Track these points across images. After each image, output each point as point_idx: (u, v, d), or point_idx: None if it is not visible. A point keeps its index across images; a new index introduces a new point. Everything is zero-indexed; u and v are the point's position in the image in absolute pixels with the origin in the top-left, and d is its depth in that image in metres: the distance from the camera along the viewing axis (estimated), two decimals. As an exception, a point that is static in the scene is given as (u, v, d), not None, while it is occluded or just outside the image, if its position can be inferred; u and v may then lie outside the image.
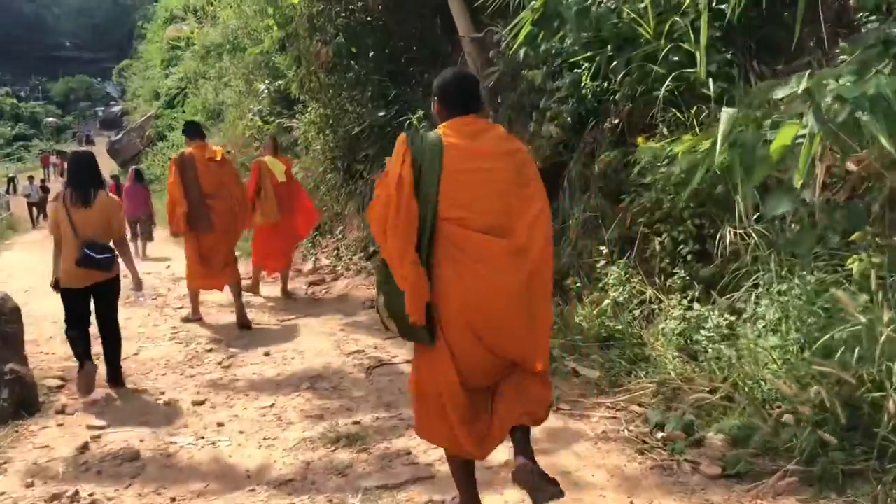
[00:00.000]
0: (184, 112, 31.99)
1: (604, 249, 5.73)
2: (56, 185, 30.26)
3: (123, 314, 7.68)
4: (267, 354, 5.85)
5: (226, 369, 5.56)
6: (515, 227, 2.72)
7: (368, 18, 10.98)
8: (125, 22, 78.53)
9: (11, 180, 29.50)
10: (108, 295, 5.20)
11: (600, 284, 5.61)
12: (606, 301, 5.33)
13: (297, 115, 13.17)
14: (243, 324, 6.86)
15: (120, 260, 5.28)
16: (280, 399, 4.82)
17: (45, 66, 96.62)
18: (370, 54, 11.08)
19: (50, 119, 71.30)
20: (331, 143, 11.63)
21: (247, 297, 7.98)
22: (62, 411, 4.77)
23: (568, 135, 6.73)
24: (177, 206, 6.79)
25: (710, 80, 5.07)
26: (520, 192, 2.78)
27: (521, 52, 6.36)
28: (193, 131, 7.22)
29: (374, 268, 8.98)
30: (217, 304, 8.01)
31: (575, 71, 6.57)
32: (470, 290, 2.67)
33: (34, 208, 23.26)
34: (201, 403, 4.81)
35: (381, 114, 10.45)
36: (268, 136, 10.28)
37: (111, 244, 5.16)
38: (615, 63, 6.09)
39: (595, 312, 5.42)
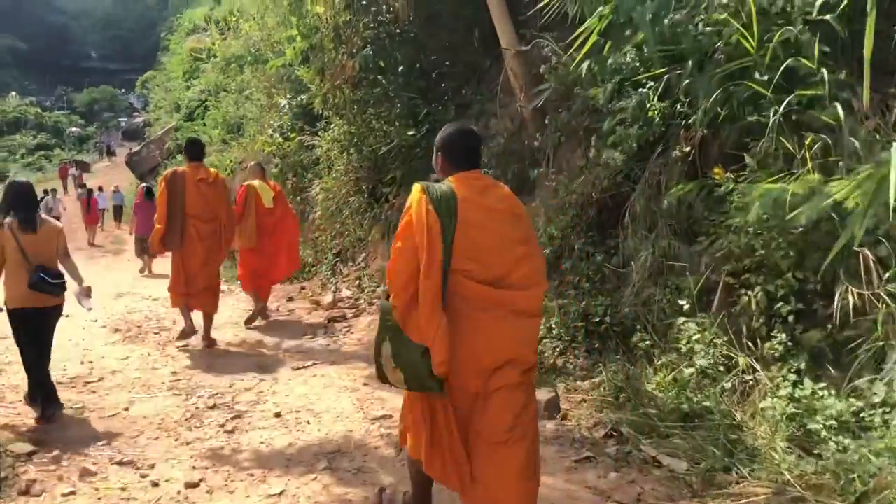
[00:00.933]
0: (204, 125, 31.50)
1: (684, 304, 4.81)
2: (73, 197, 29.74)
3: (122, 352, 6.91)
4: (278, 416, 4.96)
5: (229, 434, 4.68)
6: (516, 279, 2.83)
7: (398, 30, 10.19)
8: (151, 35, 78.89)
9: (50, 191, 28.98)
10: (51, 317, 5.35)
11: (677, 345, 4.70)
12: (688, 369, 4.40)
13: (319, 133, 12.39)
14: (207, 342, 7.01)
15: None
16: (291, 483, 3.92)
17: (71, 77, 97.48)
18: (399, 69, 10.28)
19: (73, 129, 71.50)
20: (354, 163, 10.81)
21: (259, 335, 7.22)
22: (27, 492, 3.90)
23: (630, 163, 5.85)
24: (157, 223, 6.96)
25: (827, 103, 4.16)
26: (523, 248, 2.89)
27: (583, 67, 5.48)
28: (191, 150, 7.19)
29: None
30: (227, 342, 7.20)
31: (640, 90, 5.70)
32: (474, 342, 2.76)
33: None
34: (195, 486, 3.93)
35: (410, 133, 9.62)
36: (254, 162, 10.15)
37: (58, 269, 5.26)
38: (687, 81, 5.22)
39: (672, 380, 4.51)
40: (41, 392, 5.17)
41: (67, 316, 9.00)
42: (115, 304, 9.70)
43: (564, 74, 6.34)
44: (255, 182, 8.22)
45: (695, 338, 4.55)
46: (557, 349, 5.59)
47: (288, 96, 13.08)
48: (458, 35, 10.09)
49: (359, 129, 10.50)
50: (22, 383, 5.50)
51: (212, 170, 7.25)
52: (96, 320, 8.51)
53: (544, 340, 5.63)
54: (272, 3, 17.09)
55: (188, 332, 7.06)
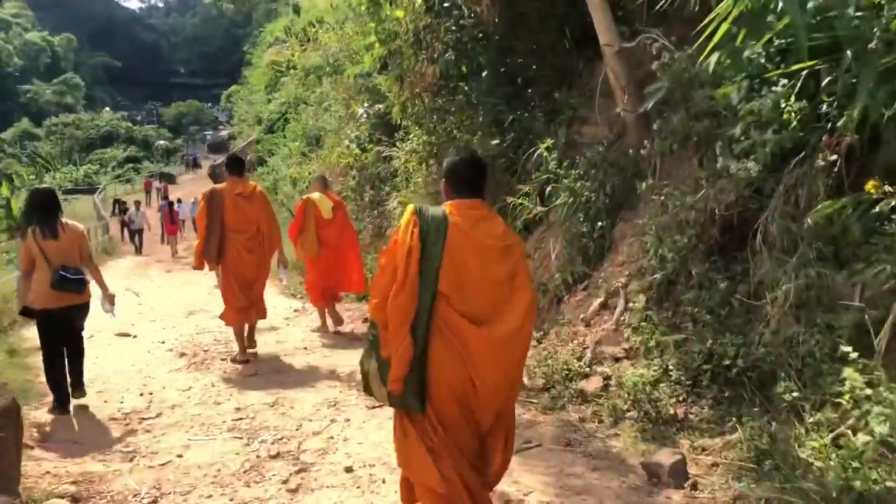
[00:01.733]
0: (283, 137, 31.65)
1: (842, 346, 3.88)
2: (155, 209, 30.19)
3: (185, 381, 6.40)
4: (349, 470, 4.27)
5: (292, 493, 4.01)
6: (502, 316, 2.88)
7: (481, 34, 9.49)
8: (236, 50, 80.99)
9: (117, 202, 29.57)
10: (78, 316, 5.60)
11: (838, 399, 3.77)
12: (864, 437, 3.47)
13: (397, 144, 11.81)
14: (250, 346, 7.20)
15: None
16: (362, 567, 3.22)
17: (160, 92, 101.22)
18: (483, 74, 9.58)
19: (161, 142, 73.88)
20: (434, 176, 10.15)
21: (333, 363, 6.68)
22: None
23: (763, 175, 4.93)
24: (197, 239, 7.26)
25: None
26: (510, 283, 2.92)
27: (711, 61, 4.60)
28: (231, 166, 7.32)
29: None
30: (297, 369, 6.61)
31: (773, 89, 4.79)
32: (455, 370, 2.84)
33: (136, 236, 22.52)
34: (249, 565, 3.27)
35: (495, 142, 8.88)
36: (317, 175, 10.20)
37: (81, 268, 5.55)
38: (845, 75, 4.30)
39: (834, 446, 3.59)
40: (57, 393, 5.54)
41: (135, 337, 8.69)
42: (185, 324, 9.28)
43: (681, 71, 5.47)
44: (315, 194, 8.38)
45: (863, 393, 3.62)
46: (676, 395, 4.72)
47: (365, 105, 12.55)
48: (548, 36, 9.31)
49: (439, 138, 9.84)
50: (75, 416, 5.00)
51: (251, 183, 7.35)
52: (163, 342, 8.09)
53: (661, 385, 4.77)
54: (351, 11, 16.79)
55: (239, 359, 7.06)
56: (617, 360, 5.53)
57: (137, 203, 24.28)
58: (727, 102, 4.94)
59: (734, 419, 4.33)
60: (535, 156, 8.20)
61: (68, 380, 5.61)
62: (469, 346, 2.80)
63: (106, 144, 65.51)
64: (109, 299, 6.00)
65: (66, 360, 5.62)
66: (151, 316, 10.18)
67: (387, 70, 10.78)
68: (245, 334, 7.18)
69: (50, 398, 5.68)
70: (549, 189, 7.28)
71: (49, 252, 5.39)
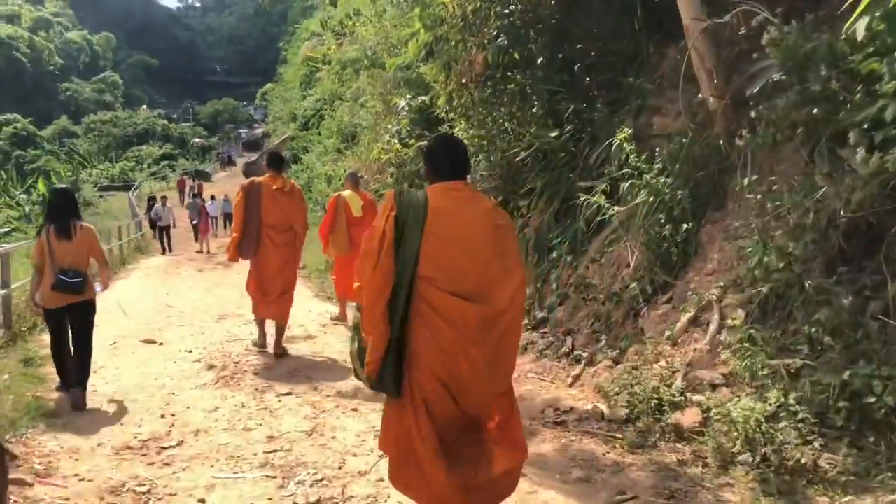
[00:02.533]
0: (318, 134, 31.19)
1: None
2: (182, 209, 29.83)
3: (213, 399, 5.69)
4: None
5: (336, 557, 3.25)
6: (493, 294, 2.82)
7: (535, 18, 8.68)
8: (271, 48, 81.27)
9: (152, 199, 29.26)
10: (82, 314, 5.70)
11: None
12: None
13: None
14: (278, 353, 7.04)
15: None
16: None
17: (197, 90, 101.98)
18: (538, 61, 8.78)
19: (197, 140, 74.23)
20: (483, 172, 9.37)
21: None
22: None
23: (900, 170, 4.05)
24: (233, 231, 7.26)
25: None
26: (499, 261, 2.86)
27: (860, 29, 3.72)
28: (271, 161, 7.38)
29: (546, 345, 6.55)
30: (338, 391, 5.87)
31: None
32: (441, 351, 2.77)
33: (164, 233, 21.38)
34: None
35: (553, 135, 8.06)
36: (349, 171, 10.07)
37: (84, 269, 5.68)
38: None
39: None
40: (65, 382, 5.71)
41: (161, 344, 8.04)
42: (215, 330, 8.61)
43: (795, 48, 4.59)
44: (346, 192, 8.44)
45: None
46: (799, 436, 3.86)
47: (407, 97, 11.79)
48: (610, 18, 8.49)
49: (489, 131, 9.06)
50: (85, 450, 4.30)
51: (289, 180, 7.35)
52: (190, 351, 7.42)
53: (782, 425, 3.92)
54: (391, 1, 16.09)
55: (260, 345, 7.28)
56: (714, 387, 4.69)
57: (164, 198, 23.15)
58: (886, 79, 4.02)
59: (882, 471, 3.48)
60: (601, 149, 7.43)
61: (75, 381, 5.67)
62: (458, 324, 2.75)
63: (142, 142, 65.87)
64: (103, 287, 6.37)
65: (74, 354, 5.73)
66: (180, 320, 9.53)
67: (432, 58, 10.04)
68: (274, 332, 7.22)
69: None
70: (624, 186, 6.42)
71: (57, 252, 5.55)
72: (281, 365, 6.74)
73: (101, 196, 40.33)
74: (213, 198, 28.76)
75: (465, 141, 9.62)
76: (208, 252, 21.27)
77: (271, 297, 7.10)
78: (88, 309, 5.76)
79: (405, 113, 11.62)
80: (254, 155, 49.38)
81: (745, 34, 5.66)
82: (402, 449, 2.86)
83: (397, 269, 2.76)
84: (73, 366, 5.66)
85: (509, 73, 8.95)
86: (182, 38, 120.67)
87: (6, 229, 25.95)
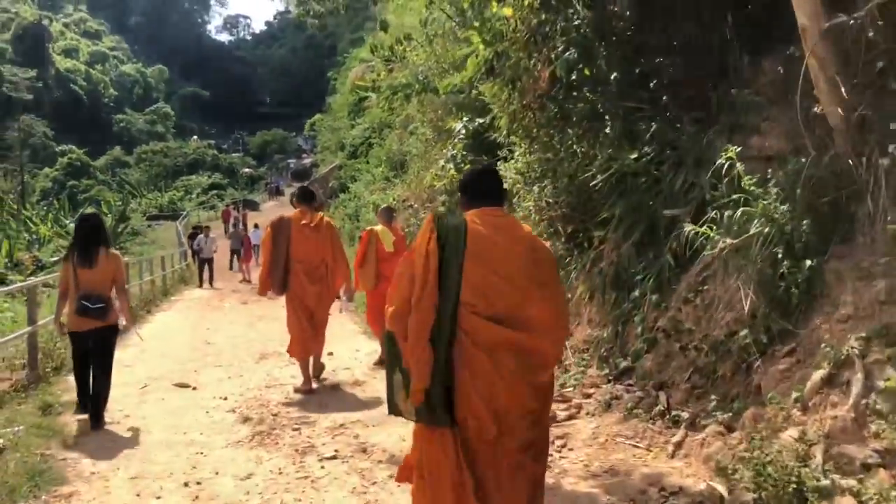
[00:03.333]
0: (367, 163, 30.78)
1: None
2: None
3: (246, 463, 4.87)
4: None
5: None
6: (531, 323, 2.74)
7: (608, 28, 7.86)
8: (320, 80, 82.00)
9: (196, 229, 28.95)
10: (102, 339, 5.81)
11: None
12: None
13: (499, 163, 10.23)
14: (317, 374, 7.19)
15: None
16: None
17: (247, 121, 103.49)
18: (611, 76, 7.92)
19: (246, 170, 74.93)
20: (548, 199, 8.50)
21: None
22: None
23: None
24: (262, 266, 7.39)
25: None
26: (540, 290, 2.78)
27: None
28: (300, 197, 7.50)
29: (634, 401, 5.58)
30: (390, 453, 5.00)
31: None
32: (481, 380, 2.67)
33: (206, 266, 20.22)
34: None
35: (632, 157, 7.17)
36: (383, 206, 9.91)
37: (107, 295, 5.80)
38: None
39: None
40: (90, 407, 5.77)
41: (194, 389, 7.30)
42: (255, 373, 7.86)
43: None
44: (378, 227, 8.37)
45: None
46: None
47: (464, 119, 11.00)
48: (694, 28, 7.60)
49: (556, 154, 8.20)
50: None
51: (318, 214, 7.34)
52: (225, 398, 6.65)
53: None
54: (442, 26, 15.44)
55: (305, 389, 6.91)
56: (868, 468, 3.70)
57: (207, 229, 21.99)
58: None
59: None
60: (687, 173, 6.53)
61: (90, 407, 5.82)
62: (498, 353, 2.67)
63: (192, 171, 66.63)
64: (129, 323, 6.64)
65: (92, 379, 5.84)
66: (218, 359, 8.82)
67: (492, 77, 9.25)
68: (311, 365, 7.11)
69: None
70: (734, 214, 5.45)
71: (81, 279, 5.69)
72: (324, 417, 5.90)
73: (149, 225, 40.54)
74: (256, 226, 28.41)
75: (528, 165, 8.82)
76: (248, 281, 20.77)
77: (316, 331, 7.06)
78: (110, 334, 5.90)
79: (462, 136, 10.83)
80: (301, 185, 49.39)
81: (882, 35, 4.73)
82: (434, 479, 2.71)
83: (440, 296, 2.68)
84: (91, 397, 5.80)
85: (578, 91, 8.13)
86: (233, 70, 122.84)
87: (56, 258, 25.90)
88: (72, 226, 32.94)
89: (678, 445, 4.68)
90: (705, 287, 5.89)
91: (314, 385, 7.01)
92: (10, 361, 7.41)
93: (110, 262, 5.87)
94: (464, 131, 10.78)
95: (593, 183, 7.35)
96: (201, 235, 20.15)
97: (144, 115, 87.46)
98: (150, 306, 14.50)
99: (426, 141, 18.60)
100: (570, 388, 6.20)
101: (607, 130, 7.82)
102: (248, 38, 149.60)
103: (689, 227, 5.70)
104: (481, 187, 2.98)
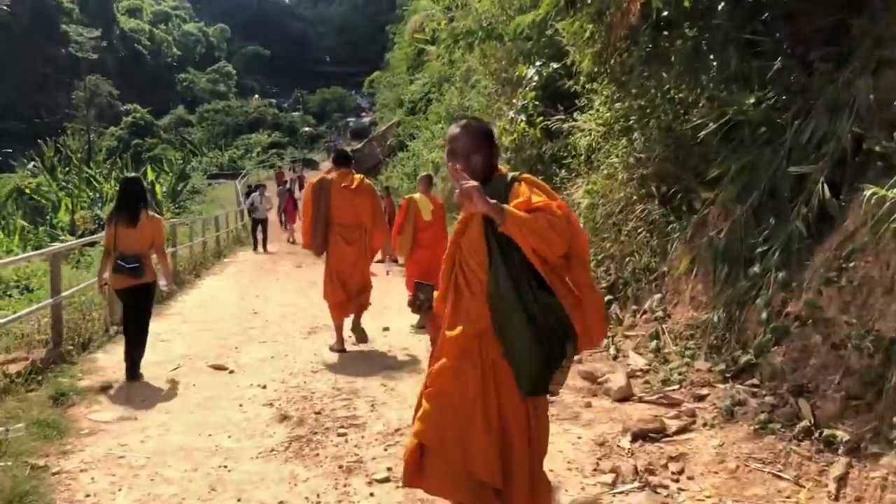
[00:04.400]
0: (426, 119, 29.64)
1: None
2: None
3: (280, 481, 3.92)
4: None
5: None
6: None
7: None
8: (380, 38, 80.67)
9: (252, 188, 28.30)
10: (137, 297, 6.06)
11: None
12: None
13: (575, 113, 8.99)
14: (360, 338, 7.19)
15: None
16: None
17: (307, 80, 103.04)
18: (718, 7, 6.62)
19: (306, 129, 74.62)
20: (638, 154, 7.27)
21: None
22: None
23: None
24: (304, 222, 7.45)
25: None
26: None
27: None
28: (337, 159, 7.38)
29: (764, 409, 4.40)
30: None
31: None
32: None
33: (259, 227, 18.64)
34: None
35: (750, 102, 5.87)
36: (424, 174, 9.63)
37: (144, 255, 6.04)
38: None
39: None
40: (127, 359, 6.02)
41: (231, 372, 6.43)
42: (301, 352, 6.95)
43: None
44: (417, 195, 8.32)
45: None
46: None
47: (538, 64, 9.72)
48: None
49: (651, 101, 6.94)
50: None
51: (357, 176, 7.17)
52: (265, 386, 5.73)
53: None
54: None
55: (335, 348, 7.02)
56: None
57: (262, 187, 20.49)
58: None
59: None
60: (817, 121, 5.23)
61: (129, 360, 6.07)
62: None
63: (253, 130, 66.57)
64: (167, 282, 6.57)
65: (131, 334, 6.07)
66: (263, 333, 7.96)
67: (572, 11, 7.97)
68: (351, 324, 7.18)
69: None
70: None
71: (121, 239, 5.93)
72: (376, 418, 4.91)
73: (209, 184, 40.37)
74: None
75: (614, 114, 7.59)
76: (292, 241, 20.12)
77: (351, 294, 7.03)
78: (146, 291, 6.13)
79: (534, 84, 9.57)
80: (360, 143, 48.56)
81: None
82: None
83: None
84: (130, 348, 6.05)
85: (676, 25, 6.86)
86: (293, 28, 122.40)
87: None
88: (131, 185, 32.96)
89: (841, 481, 3.51)
90: (851, 264, 4.64)
91: (355, 346, 7.08)
92: (32, 338, 6.64)
93: (150, 224, 6.08)
94: (536, 78, 9.52)
95: (701, 134, 6.09)
96: (255, 193, 19.03)
97: (206, 74, 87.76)
98: (200, 269, 13.79)
99: (488, 95, 17.43)
100: (675, 387, 5.05)
101: (712, 73, 6.56)
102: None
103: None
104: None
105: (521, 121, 9.54)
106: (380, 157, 36.04)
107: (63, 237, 17.59)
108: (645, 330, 6.25)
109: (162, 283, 6.35)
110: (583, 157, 8.80)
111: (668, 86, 6.85)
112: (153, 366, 6.43)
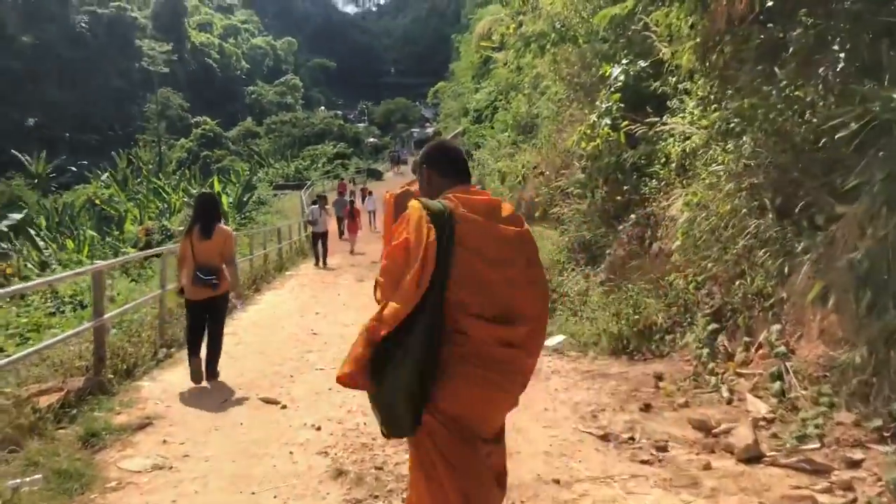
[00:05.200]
0: (491, 128, 28.92)
1: None
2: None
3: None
4: None
5: None
6: (520, 316, 2.43)
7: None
8: (444, 49, 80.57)
9: (316, 200, 28.02)
10: (214, 308, 6.45)
11: None
12: None
13: (664, 116, 8.06)
14: None
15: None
16: None
17: (372, 91, 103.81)
18: (846, -12, 5.66)
19: (370, 139, 74.84)
20: (747, 160, 6.31)
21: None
22: None
23: None
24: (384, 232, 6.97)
25: None
26: (527, 279, 2.50)
27: None
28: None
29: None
30: None
31: None
32: (468, 391, 2.38)
33: (319, 241, 17.54)
34: None
35: (896, 97, 4.88)
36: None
37: (219, 267, 6.35)
38: None
39: None
40: (203, 368, 6.35)
41: (283, 407, 5.71)
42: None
43: None
44: None
45: None
46: None
47: (624, 61, 8.81)
48: None
49: (766, 99, 5.98)
50: None
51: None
52: (319, 428, 5.00)
53: None
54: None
55: None
56: None
57: (323, 199, 19.23)
58: None
59: None
60: None
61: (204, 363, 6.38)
62: (491, 358, 2.36)
63: (319, 141, 66.90)
64: (238, 296, 6.89)
65: (206, 341, 6.45)
66: (321, 358, 7.28)
67: (666, 1, 7.07)
68: None
69: None
70: None
71: (197, 251, 6.24)
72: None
73: (275, 195, 40.42)
74: (370, 194, 27.71)
75: (719, 116, 6.65)
76: (352, 252, 19.70)
77: None
78: (220, 303, 6.48)
79: (619, 84, 8.66)
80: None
81: None
82: None
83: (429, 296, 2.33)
84: (205, 355, 6.40)
85: (792, 13, 5.91)
86: (359, 41, 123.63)
87: (182, 227, 25.66)
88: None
89: None
90: None
91: None
92: (70, 364, 6.07)
93: (222, 236, 6.40)
94: (622, 77, 8.61)
95: (838, 136, 5.11)
96: (314, 206, 18.13)
97: (274, 86, 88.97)
98: (260, 283, 13.29)
99: (558, 101, 16.59)
100: (815, 445, 4.10)
101: (840, 64, 5.58)
102: (374, 8, 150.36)
103: None
104: (453, 158, 2.74)
105: (606, 125, 8.65)
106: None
107: (124, 249, 17.43)
108: (763, 368, 5.28)
109: (231, 295, 6.60)
110: (674, 165, 7.87)
111: (784, 82, 5.89)
112: (200, 397, 5.81)
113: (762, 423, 4.61)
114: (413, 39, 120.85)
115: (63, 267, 15.87)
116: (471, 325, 2.35)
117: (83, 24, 73.37)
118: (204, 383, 6.26)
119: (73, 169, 54.77)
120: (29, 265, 17.08)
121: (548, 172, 16.06)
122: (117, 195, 35.10)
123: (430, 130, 68.44)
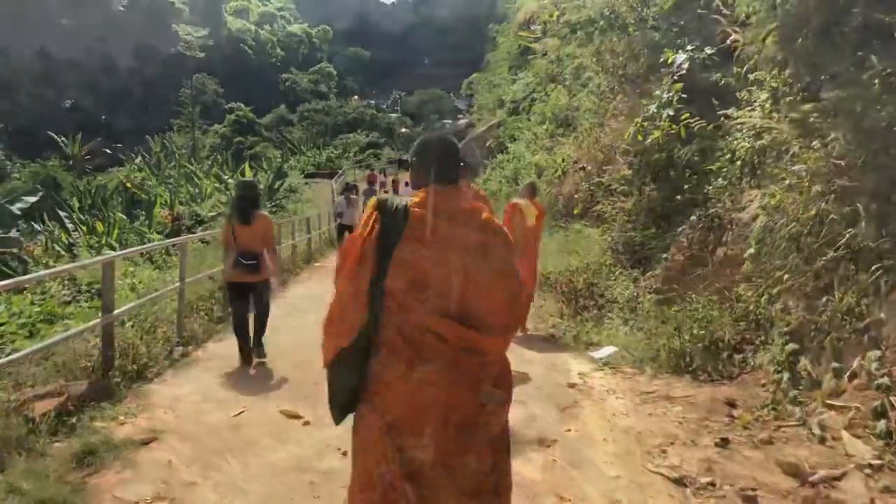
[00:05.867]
0: (528, 120, 28.12)
1: None
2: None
3: None
4: None
5: None
6: (474, 314, 2.46)
7: None
8: (479, 40, 79.74)
9: (345, 190, 27.39)
10: (258, 290, 6.69)
11: None
12: None
13: (732, 109, 7.30)
14: None
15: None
16: None
17: (405, 81, 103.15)
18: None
19: (403, 130, 74.36)
20: (837, 160, 5.54)
21: None
22: None
23: None
24: None
25: None
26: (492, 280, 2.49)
27: None
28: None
29: None
30: None
31: None
32: (406, 390, 2.43)
33: (345, 232, 16.33)
34: None
35: None
36: (528, 182, 9.59)
37: (259, 252, 6.53)
38: None
39: None
40: (242, 348, 6.59)
41: (306, 423, 4.99)
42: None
43: None
44: (522, 200, 8.27)
45: None
46: None
47: (689, 47, 8.04)
48: None
49: (867, 88, 5.22)
50: None
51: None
52: (344, 453, 4.38)
53: None
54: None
55: None
56: None
57: (351, 189, 17.92)
58: None
59: None
60: None
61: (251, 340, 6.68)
62: (431, 355, 2.43)
63: (351, 130, 66.62)
64: (277, 281, 7.16)
65: (254, 322, 6.76)
66: (348, 364, 6.64)
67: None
68: None
69: None
70: None
71: (238, 236, 6.50)
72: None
73: (306, 183, 40.01)
74: (406, 184, 26.94)
75: (806, 109, 5.89)
76: None
77: None
78: (262, 287, 6.69)
79: (683, 72, 7.88)
80: (458, 145, 47.55)
81: None
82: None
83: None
84: (252, 331, 6.68)
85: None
86: (394, 31, 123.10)
87: (213, 213, 25.19)
88: (230, 181, 32.75)
89: None
90: None
91: None
92: (75, 364, 5.50)
93: (261, 221, 6.59)
94: (686, 65, 7.84)
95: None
96: (341, 197, 17.02)
97: (308, 74, 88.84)
98: (287, 276, 12.74)
99: (601, 93, 15.84)
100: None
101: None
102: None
103: None
104: (438, 162, 2.63)
105: (667, 116, 7.90)
106: (479, 158, 34.73)
107: (149, 235, 16.98)
108: (859, 401, 4.54)
109: (273, 280, 6.77)
110: (739, 163, 7.12)
111: (888, 69, 5.12)
112: (215, 407, 5.24)
113: (867, 470, 3.89)
114: (448, 30, 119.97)
115: (89, 249, 15.47)
116: (409, 311, 2.43)
117: (122, 7, 73.70)
118: (251, 369, 6.52)
119: (108, 151, 55.03)
120: (56, 247, 16.73)
121: (589, 167, 15.31)
122: (149, 179, 34.90)
123: (462, 122, 67.67)
